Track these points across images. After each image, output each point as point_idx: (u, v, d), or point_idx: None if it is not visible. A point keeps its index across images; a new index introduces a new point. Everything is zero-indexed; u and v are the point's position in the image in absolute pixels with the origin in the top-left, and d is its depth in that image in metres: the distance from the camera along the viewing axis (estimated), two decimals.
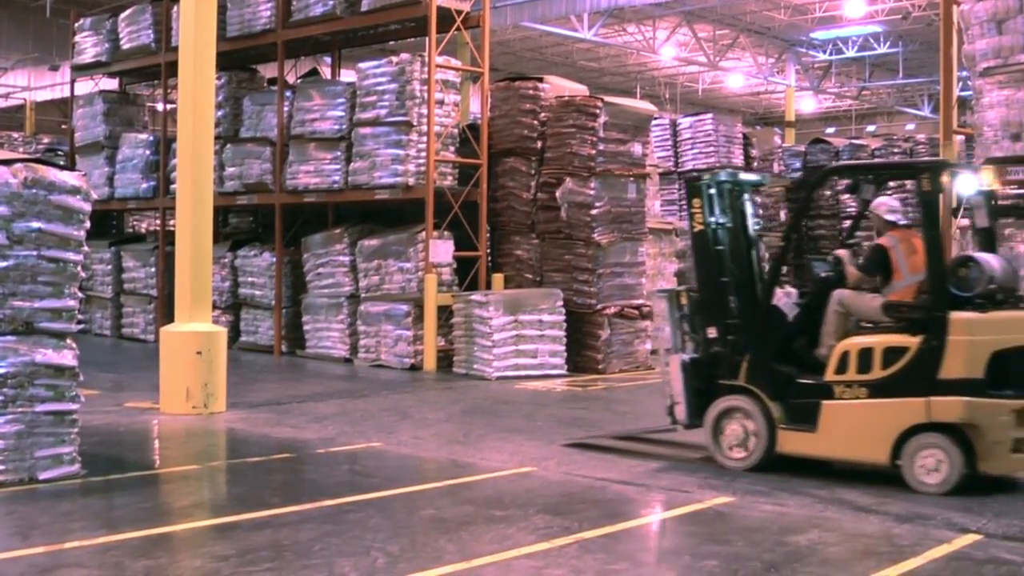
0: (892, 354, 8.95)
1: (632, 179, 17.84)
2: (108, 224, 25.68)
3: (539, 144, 18.10)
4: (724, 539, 7.31)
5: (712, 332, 9.92)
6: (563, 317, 16.64)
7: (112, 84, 25.37)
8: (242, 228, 23.02)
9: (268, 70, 22.13)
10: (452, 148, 18.02)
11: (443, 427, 11.78)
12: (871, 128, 52.15)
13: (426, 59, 17.42)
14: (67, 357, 8.77)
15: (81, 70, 24.67)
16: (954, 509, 8.16)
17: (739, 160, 25.05)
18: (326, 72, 22.08)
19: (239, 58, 20.94)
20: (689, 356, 10.19)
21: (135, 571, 6.33)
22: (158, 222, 23.05)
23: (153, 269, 21.60)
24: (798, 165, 30.27)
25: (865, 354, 9.05)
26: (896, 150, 29.56)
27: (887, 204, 9.90)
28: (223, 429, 11.61)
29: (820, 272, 10.01)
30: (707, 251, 9.99)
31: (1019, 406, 8.63)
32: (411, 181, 17.32)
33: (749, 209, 10.26)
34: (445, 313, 17.04)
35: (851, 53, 39.30)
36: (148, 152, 22.37)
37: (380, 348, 17.52)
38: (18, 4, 33.19)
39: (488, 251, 18.43)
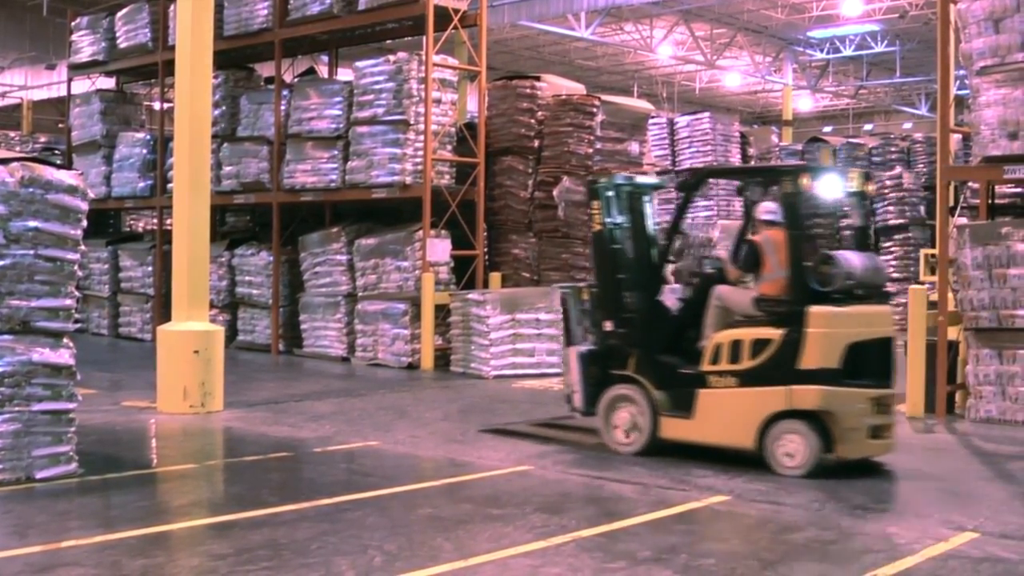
0: (759, 345, 9.50)
1: None
2: (105, 223, 25.67)
3: (536, 143, 18.12)
4: (721, 538, 7.32)
5: (608, 326, 10.47)
6: (561, 316, 16.63)
7: (109, 83, 25.34)
8: (239, 227, 23.00)
9: (265, 69, 22.10)
10: (449, 147, 18.03)
11: (440, 426, 11.78)
12: (868, 127, 52.17)
13: (423, 58, 17.42)
14: (64, 356, 8.77)
15: (78, 69, 24.65)
16: (951, 508, 8.17)
17: (736, 159, 25.09)
18: (323, 71, 22.07)
19: (236, 57, 20.93)
20: (586, 348, 10.74)
21: (132, 570, 6.33)
22: (155, 221, 23.03)
23: (150, 268, 21.58)
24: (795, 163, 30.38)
25: (736, 346, 9.61)
26: (893, 149, 29.63)
27: (764, 205, 10.28)
28: (220, 428, 11.61)
29: (706, 269, 10.59)
30: (604, 250, 10.61)
31: (874, 395, 9.34)
32: (408, 180, 17.32)
33: (648, 210, 10.72)
34: (442, 312, 17.04)
35: (848, 52, 39.31)
36: (145, 151, 22.35)
37: (377, 347, 17.51)
38: (15, 3, 33.17)
39: (485, 250, 18.43)
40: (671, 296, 10.51)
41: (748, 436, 9.49)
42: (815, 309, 9.29)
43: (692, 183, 11.24)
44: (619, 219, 10.55)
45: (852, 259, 9.70)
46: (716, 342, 9.76)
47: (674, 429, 9.94)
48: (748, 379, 9.53)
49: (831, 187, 10.10)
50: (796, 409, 9.30)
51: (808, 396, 9.23)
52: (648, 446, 10.02)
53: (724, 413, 9.68)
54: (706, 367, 9.75)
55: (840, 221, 27.01)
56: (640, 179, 11.32)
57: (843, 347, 9.24)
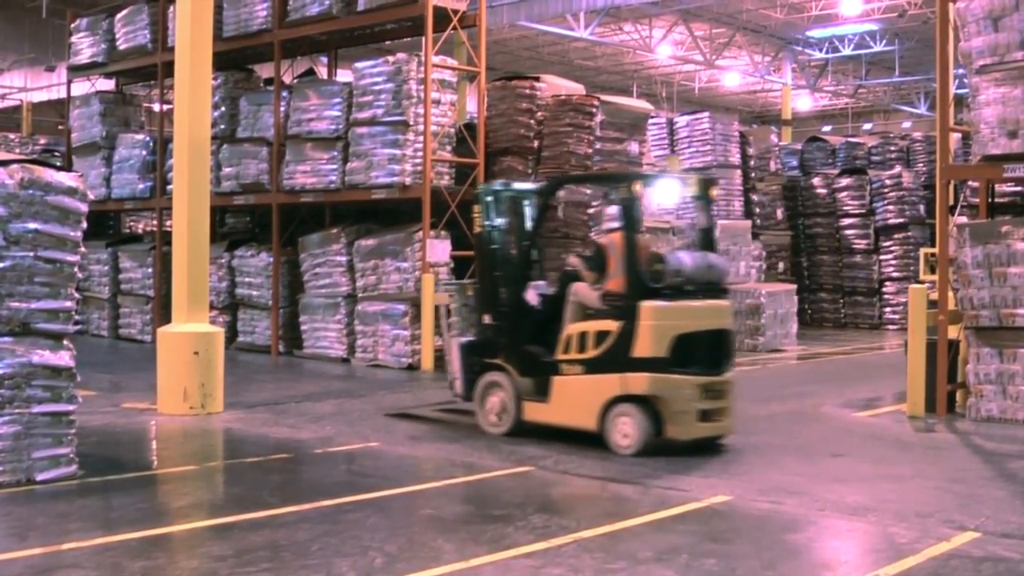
0: (600, 337, 10.46)
1: None
2: (105, 225, 25.68)
3: (536, 143, 18.11)
4: (722, 538, 7.31)
5: (487, 319, 11.50)
6: None
7: (109, 84, 25.35)
8: (239, 228, 23.00)
9: (265, 70, 22.10)
10: (449, 147, 18.03)
11: (440, 426, 11.78)
12: (868, 126, 52.21)
13: (422, 59, 17.41)
14: (64, 358, 8.76)
15: (77, 71, 24.65)
16: (952, 507, 8.17)
17: (736, 158, 25.07)
18: (322, 72, 22.07)
19: (235, 58, 20.93)
20: (467, 339, 11.85)
21: (133, 572, 6.32)
22: (155, 222, 23.04)
23: (150, 270, 21.58)
24: (795, 163, 30.34)
25: (583, 337, 10.59)
26: (893, 148, 29.63)
27: (609, 211, 10.89)
28: (220, 429, 11.60)
29: (566, 268, 11.54)
30: (484, 250, 11.65)
31: (703, 381, 10.22)
32: (408, 181, 17.31)
33: (527, 213, 11.66)
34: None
35: (847, 51, 39.34)
36: (145, 152, 22.36)
37: (377, 348, 17.51)
38: (14, 5, 33.17)
39: None
40: (535, 293, 11.39)
41: (592, 419, 10.39)
42: (646, 304, 10.16)
43: (548, 190, 12.23)
44: (497, 222, 11.55)
45: (683, 258, 10.65)
46: (568, 334, 10.72)
47: (535, 412, 10.91)
48: (592, 367, 10.47)
49: (668, 193, 11.07)
50: (630, 394, 10.20)
51: (639, 382, 10.13)
52: (514, 428, 11.01)
53: (573, 398, 10.63)
54: (559, 356, 10.72)
55: (839, 220, 27.15)
56: (516, 185, 12.25)
57: (672, 338, 10.10)
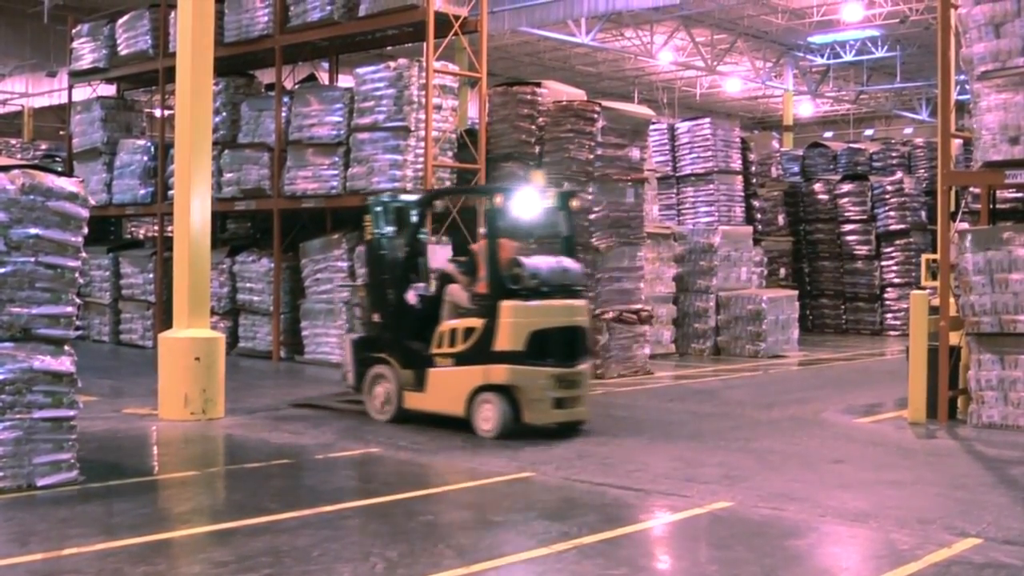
0: (468, 333, 11.65)
1: (630, 184, 17.84)
2: (106, 230, 25.70)
3: (537, 149, 18.10)
4: (723, 544, 7.31)
5: (376, 318, 12.73)
6: None
7: (110, 90, 25.38)
8: (240, 234, 23.02)
9: (266, 76, 22.12)
10: (450, 153, 18.04)
11: (441, 432, 11.77)
12: (869, 132, 52.22)
13: (424, 64, 17.43)
14: (65, 363, 8.76)
15: (79, 76, 24.67)
16: (954, 513, 8.16)
17: (737, 164, 25.09)
18: (324, 78, 22.09)
19: (237, 64, 20.94)
20: (358, 336, 13.17)
21: None
22: (156, 228, 23.06)
23: (151, 275, 21.59)
24: (796, 169, 30.36)
25: (453, 333, 11.79)
26: (894, 154, 29.64)
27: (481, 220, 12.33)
28: (221, 435, 11.60)
29: (443, 272, 12.66)
30: (373, 255, 12.96)
31: (556, 372, 11.39)
32: (409, 186, 17.31)
33: (415, 222, 12.98)
34: None
35: (849, 57, 39.37)
36: (146, 158, 22.38)
37: None
38: (15, 10, 33.18)
39: None
40: (415, 294, 12.58)
41: (460, 406, 11.60)
42: (506, 303, 11.38)
43: (425, 202, 13.56)
44: (385, 230, 12.80)
45: (539, 263, 11.82)
46: (441, 330, 11.94)
47: (413, 401, 12.11)
48: (460, 359, 11.69)
49: (528, 204, 12.18)
50: (492, 383, 11.40)
51: (499, 373, 11.33)
52: (397, 415, 12.23)
53: (444, 387, 11.82)
54: (434, 351, 11.94)
55: (840, 226, 27.15)
56: (402, 197, 13.70)
57: (528, 333, 11.31)
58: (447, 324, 11.89)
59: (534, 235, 13.48)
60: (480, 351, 11.48)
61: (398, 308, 12.45)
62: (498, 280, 11.52)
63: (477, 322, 11.56)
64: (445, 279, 12.40)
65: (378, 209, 12.89)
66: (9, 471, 8.41)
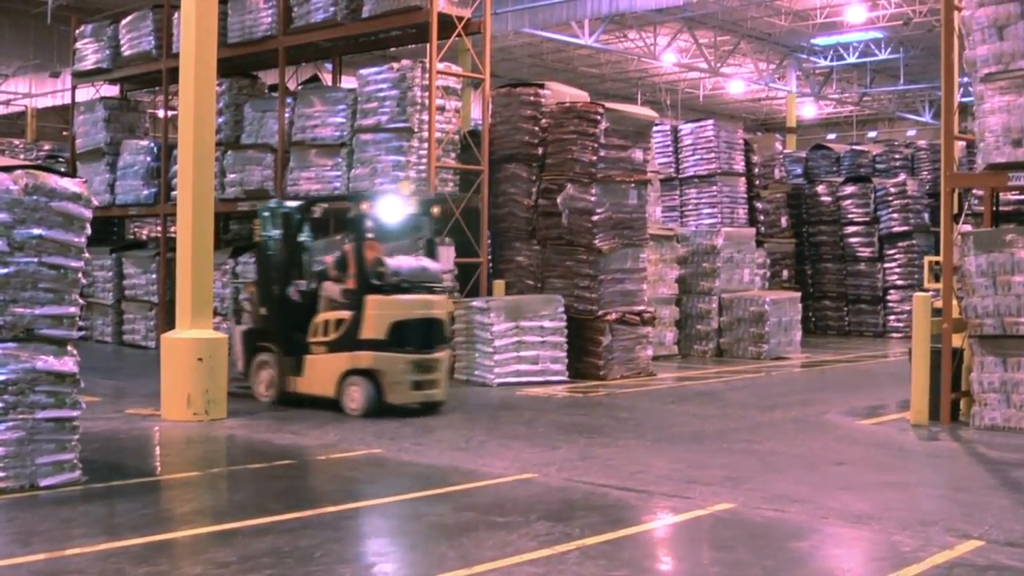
0: (338, 323, 13.20)
1: (633, 185, 17.85)
2: (109, 230, 25.72)
3: (540, 150, 18.11)
4: (726, 546, 7.30)
5: (263, 311, 14.13)
6: (564, 323, 16.64)
7: (113, 91, 25.40)
8: (243, 234, 23.01)
9: (269, 76, 22.15)
10: (453, 154, 18.04)
11: (444, 433, 11.78)
12: (872, 134, 52.19)
13: (427, 65, 17.43)
14: (68, 364, 8.77)
15: (82, 77, 24.69)
16: (956, 515, 8.15)
17: (740, 166, 25.09)
18: (327, 79, 22.10)
19: (240, 64, 20.95)
20: (247, 327, 14.51)
21: None
22: (159, 228, 23.06)
23: (154, 275, 21.60)
24: (799, 171, 30.35)
25: (326, 324, 13.33)
26: (897, 156, 29.65)
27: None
28: (224, 435, 11.61)
29: (321, 269, 14.17)
30: (262, 255, 14.50)
31: (414, 359, 12.92)
32: (412, 187, 17.32)
33: (299, 226, 14.23)
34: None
35: (852, 59, 39.36)
36: (149, 158, 22.40)
37: None
38: (19, 11, 33.22)
39: (489, 257, 18.45)
40: (296, 290, 13.87)
41: (331, 388, 13.07)
42: (370, 297, 12.95)
43: (304, 208, 14.53)
44: (272, 233, 14.16)
45: (401, 262, 13.39)
46: (316, 322, 13.44)
47: (293, 385, 13.45)
48: (332, 347, 13.20)
49: (394, 211, 13.77)
50: (358, 368, 12.93)
51: (364, 359, 12.89)
52: (279, 397, 13.56)
53: (318, 372, 13.27)
54: (311, 340, 13.41)
55: (843, 228, 27.14)
56: (287, 203, 14.85)
57: (389, 324, 12.85)
58: (321, 316, 13.43)
59: (399, 238, 14.60)
60: (348, 340, 13.03)
61: (281, 302, 13.88)
62: (364, 277, 13.09)
63: (346, 314, 13.14)
64: (322, 276, 13.89)
65: (266, 214, 14.41)
66: (12, 471, 8.41)
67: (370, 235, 13.53)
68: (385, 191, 16.34)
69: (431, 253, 14.03)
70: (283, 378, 13.58)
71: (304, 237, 14.40)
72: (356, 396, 12.89)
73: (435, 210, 14.14)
